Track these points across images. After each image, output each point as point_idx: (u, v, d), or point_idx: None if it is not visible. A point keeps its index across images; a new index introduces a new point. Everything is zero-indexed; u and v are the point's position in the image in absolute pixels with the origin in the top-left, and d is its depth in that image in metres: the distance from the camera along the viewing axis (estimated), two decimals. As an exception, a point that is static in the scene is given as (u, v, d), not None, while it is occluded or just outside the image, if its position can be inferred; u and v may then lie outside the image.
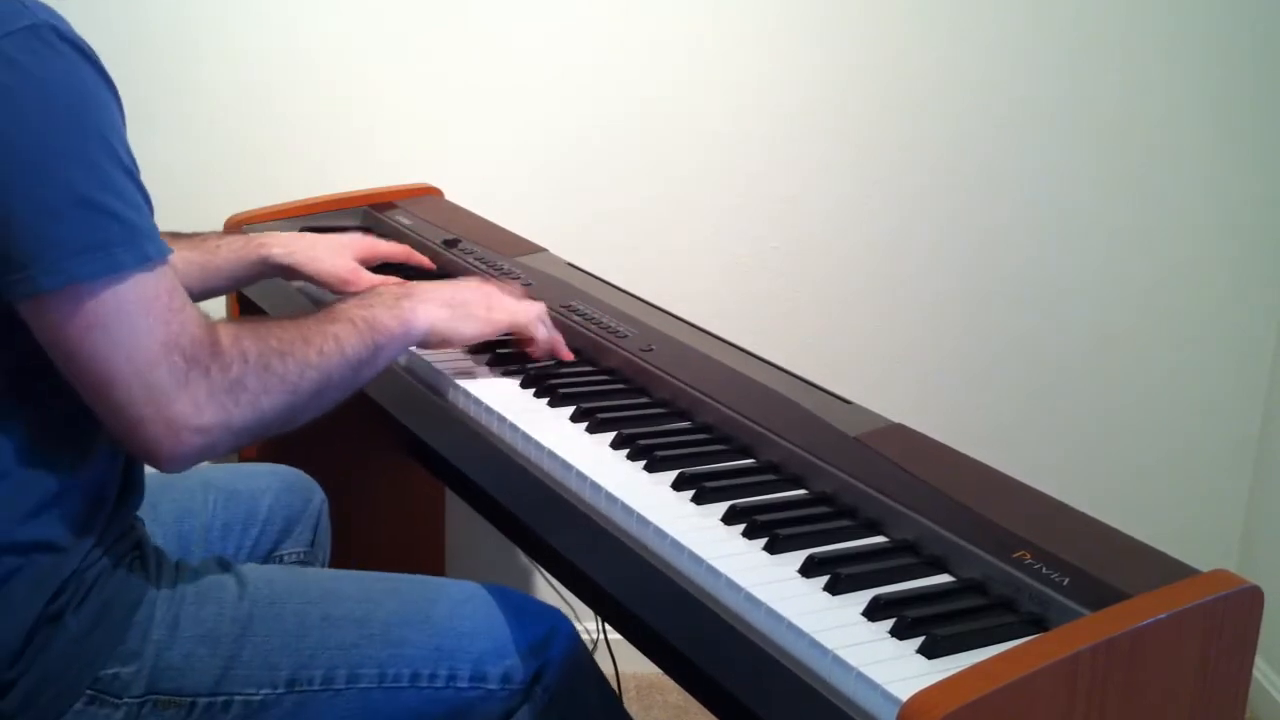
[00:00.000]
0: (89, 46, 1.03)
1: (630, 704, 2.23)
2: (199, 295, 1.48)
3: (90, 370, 1.00)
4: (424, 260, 1.68)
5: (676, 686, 1.00)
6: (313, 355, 1.12)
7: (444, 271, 1.70)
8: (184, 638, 1.14)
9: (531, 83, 2.13)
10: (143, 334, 1.00)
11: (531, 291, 1.52)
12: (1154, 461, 2.35)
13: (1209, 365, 2.32)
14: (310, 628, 1.18)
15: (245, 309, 1.86)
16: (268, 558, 1.50)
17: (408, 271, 1.67)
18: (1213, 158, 2.23)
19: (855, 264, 2.24)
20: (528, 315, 1.38)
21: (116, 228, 1.00)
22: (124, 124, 1.06)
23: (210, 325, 1.06)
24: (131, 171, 1.04)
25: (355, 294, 1.28)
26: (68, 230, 0.98)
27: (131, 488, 1.19)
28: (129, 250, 1.00)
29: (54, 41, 0.99)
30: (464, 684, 1.19)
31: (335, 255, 1.57)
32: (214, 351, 1.04)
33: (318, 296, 1.62)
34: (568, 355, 1.42)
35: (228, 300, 1.89)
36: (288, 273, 1.57)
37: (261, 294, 1.72)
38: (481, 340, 1.36)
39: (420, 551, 2.16)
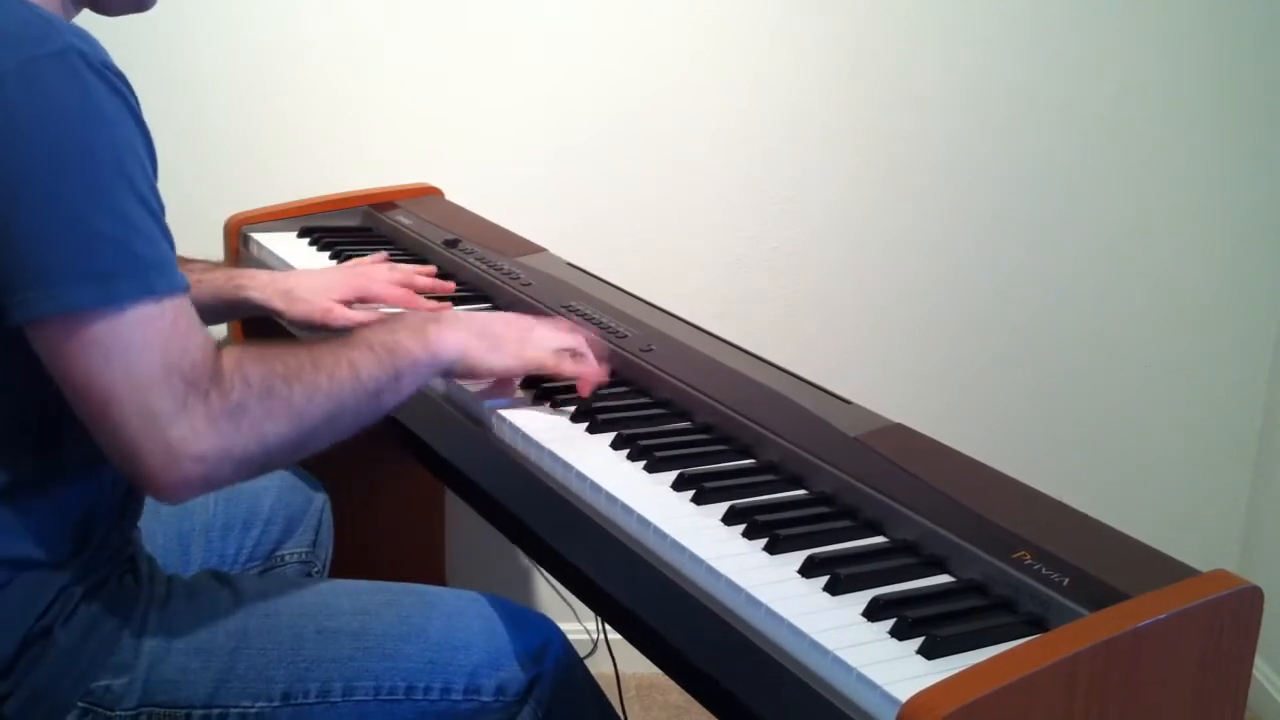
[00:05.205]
0: (117, 75, 1.01)
1: (630, 704, 2.23)
2: None
3: (87, 393, 0.98)
4: (425, 304, 1.57)
5: (676, 686, 1.00)
6: (323, 381, 1.08)
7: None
8: (178, 650, 1.14)
9: (532, 83, 2.13)
10: (141, 359, 0.98)
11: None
12: (1154, 461, 2.35)
13: (1209, 364, 2.32)
14: (305, 640, 1.17)
15: (250, 335, 1.86)
16: (269, 558, 1.50)
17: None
18: (1213, 156, 2.23)
19: (854, 263, 2.24)
20: (559, 354, 1.29)
21: (121, 258, 0.98)
22: (152, 159, 1.04)
23: (214, 350, 1.04)
24: (149, 203, 1.01)
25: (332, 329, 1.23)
26: (69, 257, 0.97)
27: (129, 508, 1.18)
28: (132, 282, 0.98)
29: (79, 68, 0.98)
30: (458, 696, 1.19)
31: (313, 296, 1.52)
32: (214, 376, 1.02)
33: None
34: (603, 378, 1.33)
35: (229, 326, 1.89)
36: (269, 314, 1.53)
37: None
38: (509, 375, 1.29)
39: (420, 551, 2.16)
